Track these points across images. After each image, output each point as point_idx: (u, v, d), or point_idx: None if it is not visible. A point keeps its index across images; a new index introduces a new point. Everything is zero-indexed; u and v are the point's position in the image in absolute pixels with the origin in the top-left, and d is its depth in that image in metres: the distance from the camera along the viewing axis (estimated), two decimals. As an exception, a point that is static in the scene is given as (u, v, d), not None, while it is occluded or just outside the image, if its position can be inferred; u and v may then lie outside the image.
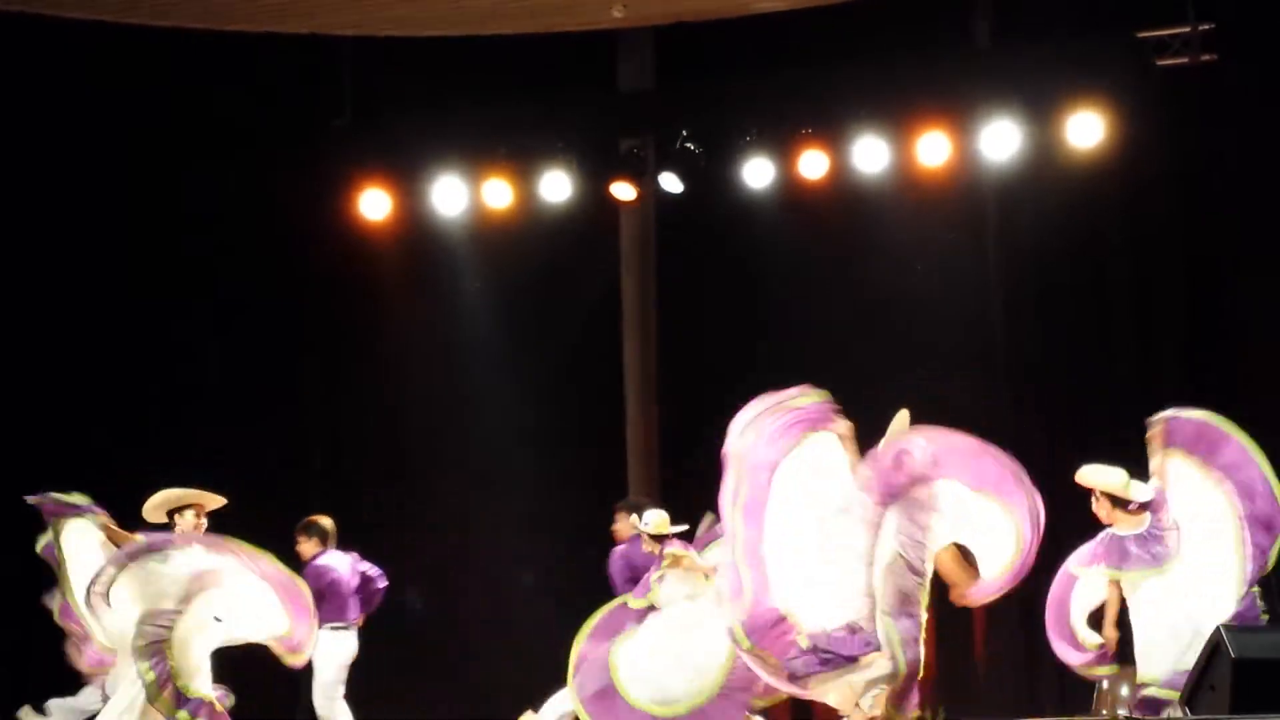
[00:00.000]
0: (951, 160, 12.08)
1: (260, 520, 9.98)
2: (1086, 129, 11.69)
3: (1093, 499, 9.07)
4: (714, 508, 8.64)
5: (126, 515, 9.49)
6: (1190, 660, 8.38)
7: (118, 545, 9.25)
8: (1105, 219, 12.10)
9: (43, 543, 9.53)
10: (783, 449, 8.20)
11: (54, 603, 9.71)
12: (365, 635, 10.66)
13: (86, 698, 10.18)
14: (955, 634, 10.86)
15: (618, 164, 12.81)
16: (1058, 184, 11.96)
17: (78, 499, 9.42)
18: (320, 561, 10.65)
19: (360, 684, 12.46)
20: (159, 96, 12.88)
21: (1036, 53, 11.97)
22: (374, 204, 13.07)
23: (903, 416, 8.41)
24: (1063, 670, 9.91)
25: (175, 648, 8.85)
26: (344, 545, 10.87)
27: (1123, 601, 9.00)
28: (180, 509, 9.46)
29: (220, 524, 9.53)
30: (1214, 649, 8.11)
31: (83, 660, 9.68)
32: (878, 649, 8.00)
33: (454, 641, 13.10)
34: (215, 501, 9.54)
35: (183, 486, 9.56)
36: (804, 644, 8.08)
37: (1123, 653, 9.29)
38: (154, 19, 12.04)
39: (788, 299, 12.71)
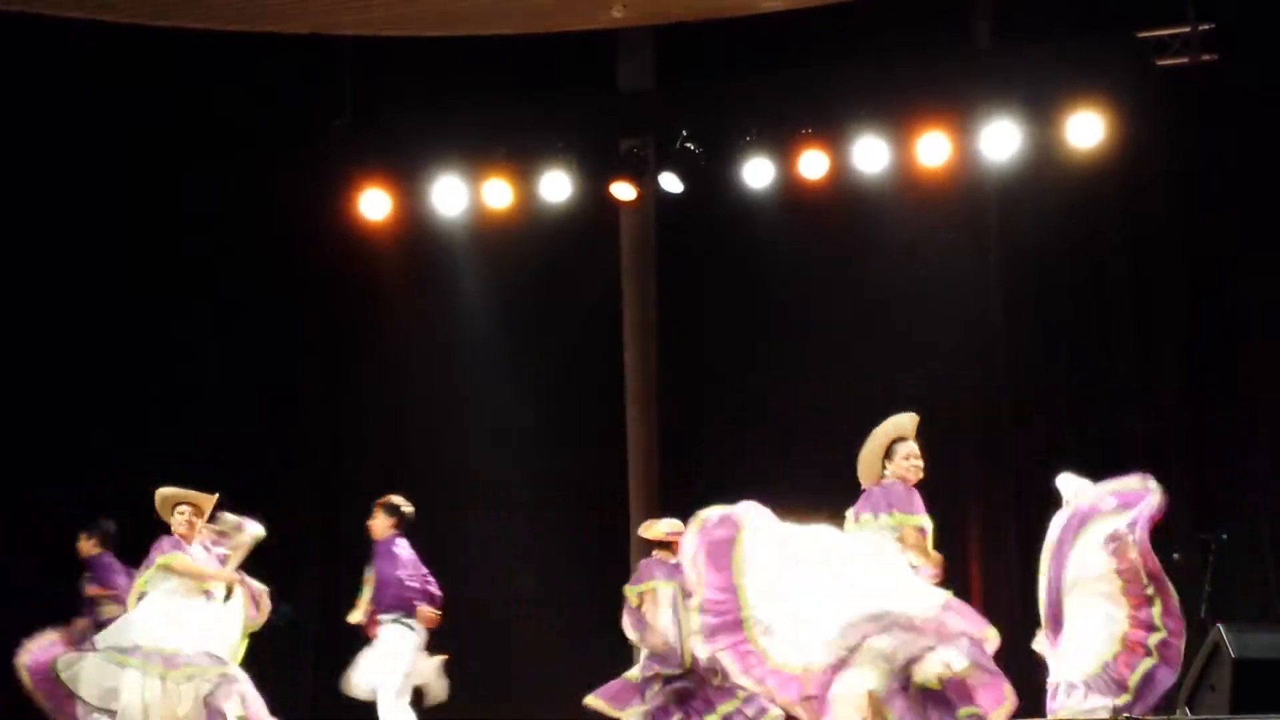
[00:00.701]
0: (951, 160, 12.08)
1: (260, 520, 9.98)
2: (1086, 129, 11.68)
3: None
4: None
5: (126, 515, 9.50)
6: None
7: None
8: (1105, 219, 12.10)
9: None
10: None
11: None
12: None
13: None
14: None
15: (618, 164, 12.80)
16: (1058, 184, 11.96)
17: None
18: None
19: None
20: (159, 96, 12.88)
21: (1036, 53, 11.97)
22: (374, 204, 13.06)
23: (903, 419, 8.33)
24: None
25: None
26: (344, 544, 10.86)
27: None
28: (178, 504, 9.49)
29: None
30: (1214, 649, 8.11)
31: None
32: None
33: (453, 642, 13.08)
34: (208, 502, 9.54)
35: (180, 487, 9.58)
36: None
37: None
38: (154, 19, 12.04)
39: (788, 299, 12.70)
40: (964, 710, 7.60)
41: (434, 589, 10.38)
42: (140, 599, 9.41)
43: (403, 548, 10.36)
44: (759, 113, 12.46)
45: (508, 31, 12.39)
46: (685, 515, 9.93)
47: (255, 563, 9.95)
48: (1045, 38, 11.89)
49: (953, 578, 8.38)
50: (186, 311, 13.16)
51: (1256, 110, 11.51)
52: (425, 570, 10.42)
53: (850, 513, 8.14)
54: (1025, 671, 9.40)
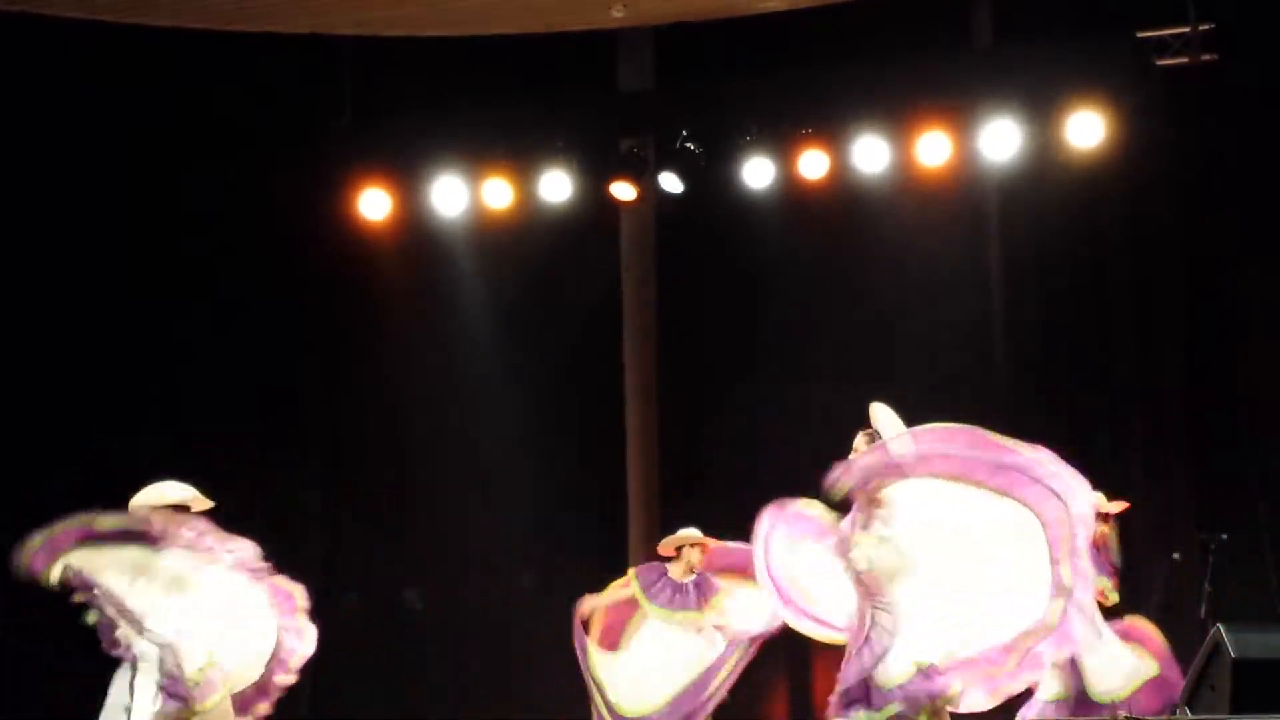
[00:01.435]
0: (951, 160, 12.08)
1: (260, 520, 9.98)
2: (1086, 129, 11.68)
3: None
4: (711, 509, 8.66)
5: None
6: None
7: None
8: (1105, 219, 12.10)
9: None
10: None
11: None
12: (364, 636, 10.64)
13: None
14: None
15: (618, 164, 12.80)
16: (1058, 184, 11.96)
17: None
18: None
19: (360, 684, 12.50)
20: (159, 96, 12.88)
21: (1036, 53, 11.98)
22: (374, 204, 13.07)
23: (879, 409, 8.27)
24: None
25: None
26: (342, 545, 10.85)
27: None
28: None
29: (221, 524, 9.51)
30: (1214, 649, 8.11)
31: None
32: None
33: (454, 642, 13.10)
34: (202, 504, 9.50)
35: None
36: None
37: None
38: (154, 19, 12.04)
39: (787, 299, 12.70)
40: None
41: None
42: None
43: None
44: (759, 113, 12.46)
45: (508, 31, 12.39)
46: (685, 515, 9.97)
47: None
48: (1045, 38, 11.89)
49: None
50: (186, 311, 13.15)
51: (1256, 110, 11.50)
52: None
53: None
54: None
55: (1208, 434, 11.58)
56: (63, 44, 12.24)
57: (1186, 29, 11.46)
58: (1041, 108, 11.80)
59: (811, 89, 12.45)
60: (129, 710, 8.56)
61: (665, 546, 9.93)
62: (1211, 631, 8.24)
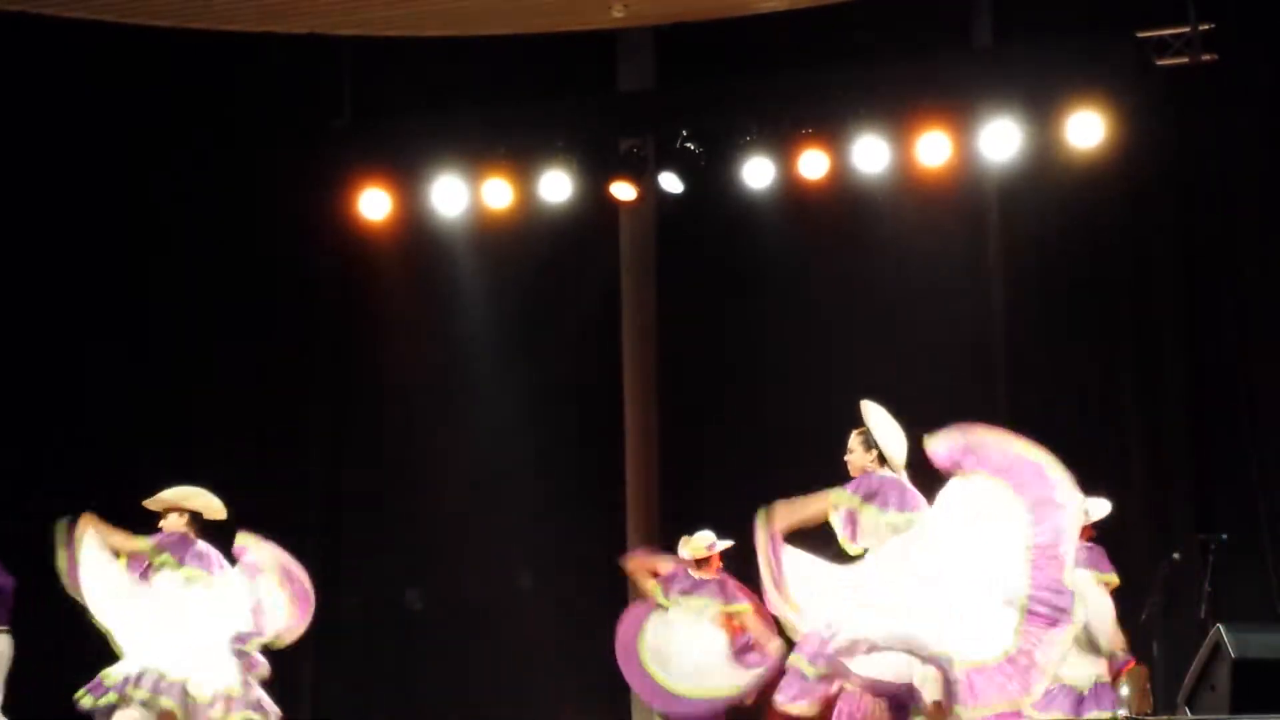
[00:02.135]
0: (952, 160, 12.08)
1: (260, 521, 9.97)
2: (1086, 129, 11.68)
3: None
4: (711, 509, 8.67)
5: (126, 516, 9.48)
6: None
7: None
8: (1105, 219, 12.09)
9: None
10: None
11: None
12: (365, 636, 10.63)
13: None
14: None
15: (618, 164, 12.80)
16: (1058, 184, 11.95)
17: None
18: None
19: (360, 684, 12.49)
20: (159, 96, 12.88)
21: (1036, 53, 11.98)
22: (374, 204, 13.07)
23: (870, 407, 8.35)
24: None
25: None
26: (342, 545, 10.85)
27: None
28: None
29: (220, 524, 9.52)
30: (1214, 649, 8.11)
31: None
32: None
33: (454, 642, 13.09)
34: (216, 513, 9.51)
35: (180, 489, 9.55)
36: None
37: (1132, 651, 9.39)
38: (154, 19, 12.05)
39: (787, 299, 12.70)
40: None
41: None
42: None
43: None
44: (759, 113, 12.46)
45: (508, 32, 12.40)
46: (685, 515, 9.98)
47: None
48: (1045, 38, 11.89)
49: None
50: (186, 312, 13.16)
51: (1256, 110, 11.51)
52: None
53: None
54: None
55: (1208, 434, 11.57)
56: (63, 44, 12.24)
57: (1186, 29, 11.45)
58: (1041, 107, 11.80)
59: (811, 89, 12.45)
60: None
61: (695, 549, 10.24)
62: (1211, 631, 8.24)
